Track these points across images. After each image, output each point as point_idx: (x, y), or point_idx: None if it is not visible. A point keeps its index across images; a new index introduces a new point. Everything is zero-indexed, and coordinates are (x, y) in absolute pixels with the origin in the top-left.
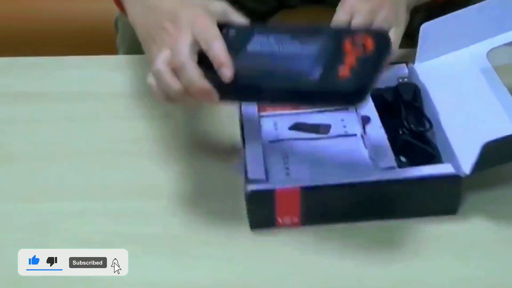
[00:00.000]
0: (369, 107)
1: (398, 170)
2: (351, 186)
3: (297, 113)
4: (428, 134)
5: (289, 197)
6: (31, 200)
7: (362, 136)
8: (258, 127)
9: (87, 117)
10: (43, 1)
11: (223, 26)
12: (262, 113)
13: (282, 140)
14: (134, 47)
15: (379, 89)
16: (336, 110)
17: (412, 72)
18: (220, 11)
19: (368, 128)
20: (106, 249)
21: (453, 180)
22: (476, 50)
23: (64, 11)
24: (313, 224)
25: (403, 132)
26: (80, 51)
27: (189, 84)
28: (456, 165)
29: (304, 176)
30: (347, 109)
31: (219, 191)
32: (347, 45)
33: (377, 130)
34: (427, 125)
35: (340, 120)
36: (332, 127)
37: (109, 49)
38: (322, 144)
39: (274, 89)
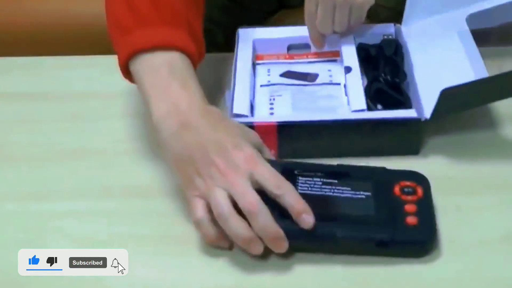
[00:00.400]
0: (352, 59)
1: (366, 112)
2: (322, 123)
3: (289, 62)
4: (404, 85)
5: (267, 131)
6: (31, 200)
7: (344, 85)
8: (250, 71)
9: (87, 117)
10: (43, 1)
11: None
12: (258, 61)
13: (272, 84)
14: None
15: (365, 44)
16: (324, 61)
17: (397, 31)
18: (257, 144)
19: (349, 76)
20: (106, 249)
21: (414, 123)
22: (456, 14)
23: (64, 11)
24: (289, 157)
25: (379, 81)
26: (80, 51)
27: (264, 229)
28: (419, 110)
29: (284, 115)
30: (335, 60)
31: None
32: (397, 191)
33: (356, 78)
34: (403, 77)
35: (327, 70)
36: (319, 76)
37: (108, 49)
38: (308, 90)
39: (349, 237)
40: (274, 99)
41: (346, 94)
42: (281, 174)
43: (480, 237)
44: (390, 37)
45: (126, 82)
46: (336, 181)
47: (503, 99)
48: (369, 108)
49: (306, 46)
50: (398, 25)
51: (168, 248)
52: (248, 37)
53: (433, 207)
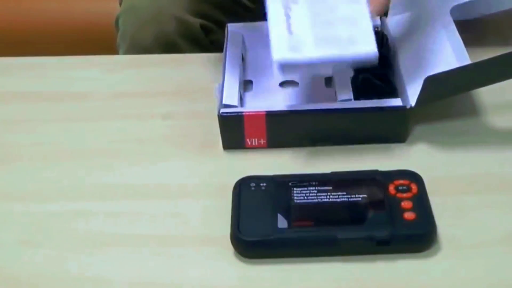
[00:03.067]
0: None
1: (353, 102)
2: (310, 112)
3: None
4: (391, 76)
5: (256, 120)
6: (31, 200)
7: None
8: (240, 66)
9: (87, 117)
10: (43, 1)
11: (247, 181)
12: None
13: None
14: (135, 45)
15: None
16: None
17: (383, 23)
18: None
19: (335, 67)
20: (106, 248)
21: (400, 111)
22: (441, 6)
23: (64, 11)
24: (278, 146)
25: (366, 71)
26: (79, 51)
27: None
28: (405, 99)
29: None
30: None
31: (218, 189)
32: (392, 190)
33: (344, 70)
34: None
35: None
36: None
37: (108, 49)
38: (326, 2)
39: (349, 238)
40: (290, 9)
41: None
42: (276, 188)
43: (479, 235)
44: (376, 29)
45: (126, 82)
46: (331, 187)
47: (486, 86)
48: (356, 98)
49: None
50: (383, 17)
51: (168, 249)
52: (238, 32)
53: (429, 201)
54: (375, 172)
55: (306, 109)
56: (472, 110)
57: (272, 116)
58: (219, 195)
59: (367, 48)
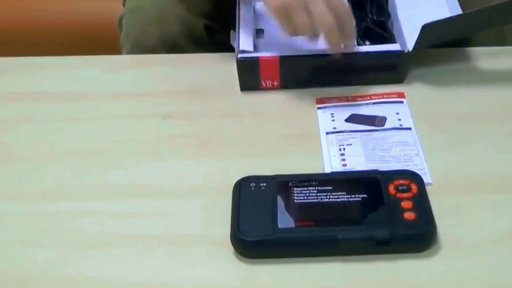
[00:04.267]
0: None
1: (357, 47)
2: (319, 56)
3: (353, 105)
4: (389, 24)
5: (270, 64)
6: (31, 200)
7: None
8: (252, 15)
9: (87, 117)
10: (44, 1)
11: (247, 181)
12: (320, 105)
13: (339, 132)
14: (139, 45)
15: None
16: (390, 102)
17: None
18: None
19: None
20: (106, 248)
21: (398, 55)
22: None
23: (64, 10)
24: (290, 87)
25: (367, 20)
26: (80, 51)
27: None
28: (403, 44)
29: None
30: (401, 102)
31: (219, 189)
32: (392, 190)
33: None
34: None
35: (395, 113)
36: (387, 119)
37: (109, 49)
38: (377, 136)
39: (349, 238)
40: (344, 149)
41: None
42: (276, 187)
43: (479, 234)
44: None
45: (127, 82)
46: (330, 187)
47: (477, 33)
48: (359, 44)
49: None
50: None
51: (168, 249)
52: None
53: (429, 201)
54: (375, 172)
55: (315, 53)
56: (464, 55)
57: (285, 60)
58: (219, 195)
59: None
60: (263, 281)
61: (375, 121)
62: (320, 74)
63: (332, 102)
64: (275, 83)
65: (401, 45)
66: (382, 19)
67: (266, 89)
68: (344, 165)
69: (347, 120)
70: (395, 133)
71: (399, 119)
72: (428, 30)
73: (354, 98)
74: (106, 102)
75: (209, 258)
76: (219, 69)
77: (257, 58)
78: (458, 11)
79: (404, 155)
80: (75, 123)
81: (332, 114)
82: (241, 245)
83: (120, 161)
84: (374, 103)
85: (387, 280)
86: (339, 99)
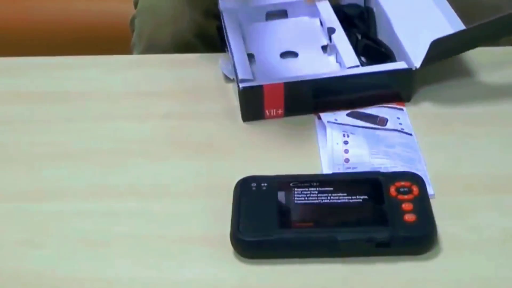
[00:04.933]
0: (333, 20)
1: (361, 68)
2: (324, 80)
3: None
4: (381, 39)
5: (275, 91)
6: (31, 200)
7: (327, 46)
8: (241, 40)
9: (87, 117)
10: (43, 1)
11: (248, 181)
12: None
13: (341, 124)
14: (152, 44)
15: (341, 5)
16: (391, 108)
17: None
18: None
19: (334, 37)
20: (106, 248)
21: (406, 73)
22: None
23: (64, 11)
24: (294, 114)
25: (362, 38)
26: (81, 51)
27: None
28: (408, 62)
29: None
30: (401, 109)
31: (219, 189)
32: (393, 192)
33: (342, 37)
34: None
35: (396, 117)
36: (389, 121)
37: (111, 49)
38: (380, 134)
39: (349, 240)
40: (348, 135)
41: (329, 54)
42: (277, 188)
43: (479, 235)
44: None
45: (127, 82)
46: (331, 188)
47: (482, 45)
48: (361, 64)
49: (283, 13)
50: None
51: (168, 248)
52: (231, 8)
53: (430, 203)
54: (377, 173)
55: (322, 77)
56: (465, 71)
57: (290, 86)
58: (220, 195)
59: None
60: (263, 281)
61: (377, 120)
62: (326, 97)
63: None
64: (280, 111)
65: (407, 62)
66: (375, 38)
67: (271, 117)
68: (347, 159)
69: (348, 115)
70: (398, 134)
71: (400, 124)
72: (437, 46)
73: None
74: (105, 103)
75: (209, 258)
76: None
77: (261, 86)
78: (459, 24)
79: (407, 156)
80: (74, 123)
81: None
82: (241, 245)
83: (120, 161)
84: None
85: (387, 282)
86: (339, 108)
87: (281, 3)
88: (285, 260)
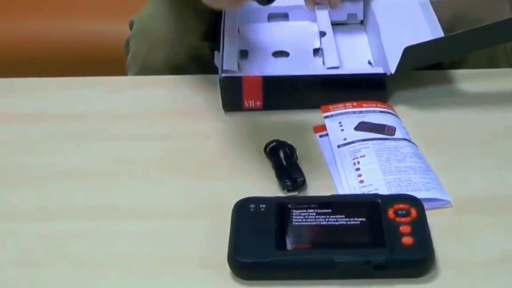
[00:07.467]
0: (326, 25)
1: (340, 69)
2: (302, 78)
3: (360, 112)
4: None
5: (253, 84)
6: (28, 220)
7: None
8: (236, 36)
9: (85, 137)
10: (44, 22)
11: (246, 202)
12: (326, 114)
13: (350, 143)
14: (146, 66)
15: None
16: (395, 115)
17: (366, 1)
18: None
19: (324, 40)
20: (104, 269)
21: (381, 78)
22: None
23: (64, 32)
24: (272, 109)
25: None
26: (80, 72)
27: None
28: (385, 67)
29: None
30: None
31: (217, 210)
32: (391, 214)
33: (330, 41)
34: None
35: (402, 126)
36: (396, 130)
37: (106, 71)
38: (390, 145)
39: (346, 262)
40: (358, 162)
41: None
42: (276, 209)
43: (478, 257)
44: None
45: (126, 103)
46: (330, 210)
47: (457, 57)
48: None
49: (285, 16)
50: None
51: (165, 270)
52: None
53: (428, 226)
54: (376, 196)
55: (299, 74)
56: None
57: (268, 80)
58: (218, 216)
59: None
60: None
61: (385, 130)
62: (304, 95)
63: (338, 109)
64: (258, 103)
65: (384, 68)
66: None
67: (249, 109)
68: (361, 181)
69: (356, 129)
70: (407, 143)
71: (407, 133)
72: (410, 52)
73: (359, 104)
74: (104, 123)
75: (206, 279)
76: (216, 90)
77: (240, 77)
78: (440, 34)
79: (419, 166)
80: (70, 143)
81: (340, 123)
82: (238, 266)
83: (118, 182)
84: (380, 112)
85: None
86: (345, 105)
87: (283, 7)
88: (283, 281)
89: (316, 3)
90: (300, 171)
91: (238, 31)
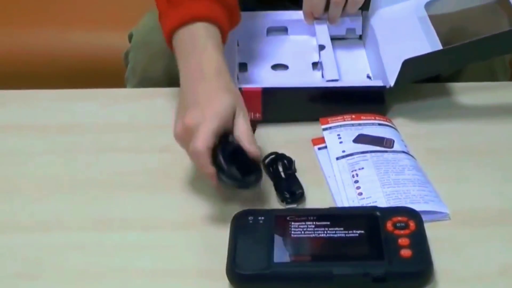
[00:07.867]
0: (325, 38)
1: (339, 82)
2: (301, 90)
3: (358, 124)
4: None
5: (253, 95)
6: (27, 232)
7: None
8: (235, 47)
9: (84, 149)
10: (42, 35)
11: (245, 214)
12: (324, 126)
13: (348, 155)
14: (145, 78)
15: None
16: (394, 128)
17: (365, 16)
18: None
19: (323, 53)
20: (102, 281)
21: (380, 90)
22: (416, 2)
23: (63, 44)
24: (272, 121)
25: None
26: (79, 84)
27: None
28: (385, 80)
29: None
30: None
31: (216, 222)
32: (389, 227)
33: (329, 54)
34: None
35: (400, 139)
36: (395, 142)
37: (105, 82)
38: (388, 158)
39: (345, 274)
40: (357, 174)
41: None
42: (274, 221)
43: (476, 269)
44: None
45: (125, 115)
46: (328, 222)
47: (457, 68)
48: None
49: (284, 30)
50: (365, 11)
51: (166, 281)
52: None
53: (426, 239)
54: (374, 208)
55: (298, 86)
56: (444, 91)
57: (268, 92)
58: (216, 228)
59: None
60: None
61: (384, 142)
62: (303, 107)
63: (337, 122)
64: (257, 115)
65: (383, 81)
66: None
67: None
68: (360, 193)
69: (355, 141)
70: (405, 156)
71: (405, 145)
72: (409, 65)
73: (358, 117)
74: (103, 136)
75: None
76: None
77: (240, 89)
78: (438, 47)
79: (418, 179)
80: (69, 155)
81: (339, 135)
82: (236, 279)
83: (117, 193)
84: (379, 124)
85: None
86: (344, 118)
87: (282, 20)
88: None
89: (315, 18)
90: (298, 184)
91: (238, 44)
